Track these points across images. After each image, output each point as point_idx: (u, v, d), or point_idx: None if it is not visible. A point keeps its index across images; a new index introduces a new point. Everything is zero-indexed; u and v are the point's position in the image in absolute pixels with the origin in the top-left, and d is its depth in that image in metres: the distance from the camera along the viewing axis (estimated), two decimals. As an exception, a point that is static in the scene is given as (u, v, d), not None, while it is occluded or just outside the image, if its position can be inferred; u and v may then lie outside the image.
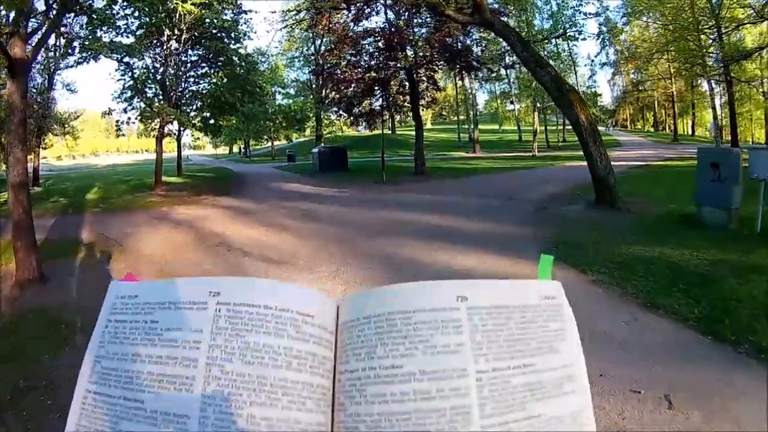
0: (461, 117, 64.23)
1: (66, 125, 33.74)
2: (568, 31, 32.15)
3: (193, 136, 40.35)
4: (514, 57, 27.57)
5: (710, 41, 32.67)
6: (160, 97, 23.44)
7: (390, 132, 66.05)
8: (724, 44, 31.31)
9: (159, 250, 10.49)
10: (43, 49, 24.60)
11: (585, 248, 8.73)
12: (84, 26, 20.76)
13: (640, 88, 65.99)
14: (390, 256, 9.04)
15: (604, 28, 51.96)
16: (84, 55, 21.62)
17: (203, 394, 0.79)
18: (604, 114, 64.94)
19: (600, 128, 51.32)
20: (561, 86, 13.81)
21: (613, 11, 42.06)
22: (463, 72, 26.92)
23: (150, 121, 23.35)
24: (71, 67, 27.45)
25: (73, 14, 19.72)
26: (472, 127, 52.57)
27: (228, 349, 0.82)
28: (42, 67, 27.52)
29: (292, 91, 59.26)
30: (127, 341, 0.88)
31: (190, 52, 25.22)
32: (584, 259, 7.94)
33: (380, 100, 27.47)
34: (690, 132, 68.49)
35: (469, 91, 53.82)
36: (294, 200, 17.49)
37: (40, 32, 10.14)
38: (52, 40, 22.77)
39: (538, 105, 43.93)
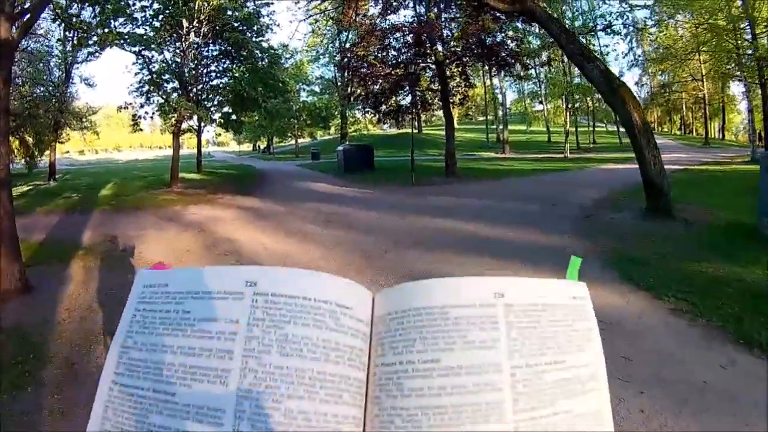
0: (489, 117, 62.78)
1: (84, 120, 32.76)
2: (609, 24, 30.31)
3: (215, 132, 39.62)
4: (551, 53, 26.25)
5: (745, 41, 31.25)
6: (179, 91, 22.57)
7: (417, 131, 65.18)
8: (758, 45, 30.01)
9: (160, 257, 9.05)
10: (59, 42, 24.13)
11: (650, 266, 7.55)
12: (97, 15, 19.58)
13: (668, 90, 64.03)
14: (426, 273, 7.60)
15: (631, 29, 50.66)
16: (95, 48, 21.17)
17: (239, 388, 0.79)
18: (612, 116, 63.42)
19: None
20: (612, 82, 12.44)
21: (641, 10, 40.54)
22: (497, 69, 25.39)
23: (168, 116, 22.44)
24: (88, 60, 27.77)
25: (85, 3, 19.30)
26: (500, 127, 51.16)
27: (266, 340, 0.82)
28: (60, 60, 27.41)
29: (317, 89, 58.46)
30: (157, 331, 0.88)
31: (210, 46, 24.51)
32: (654, 281, 6.79)
33: (409, 96, 26.08)
34: (720, 135, 66.89)
35: (499, 90, 52.23)
36: (317, 202, 16.31)
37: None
38: (60, 32, 21.83)
39: (570, 105, 42.81)
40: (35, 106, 25.80)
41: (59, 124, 27.70)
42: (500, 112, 56.55)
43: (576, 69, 45.37)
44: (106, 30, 19.10)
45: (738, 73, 35.29)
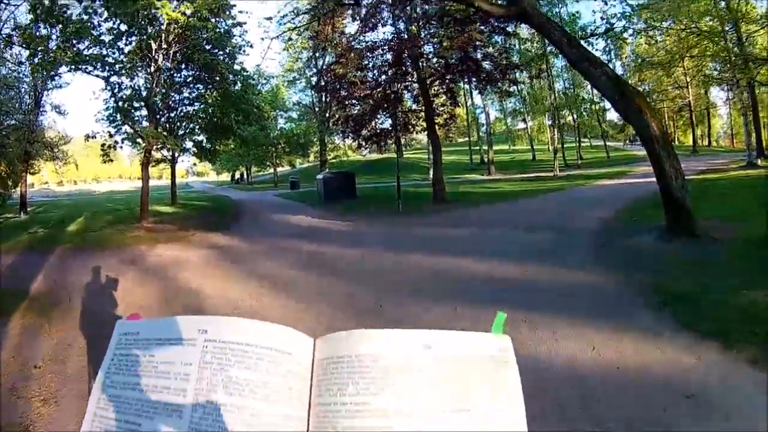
0: (472, 138, 61.51)
1: (56, 149, 31.83)
2: (611, 27, 29.24)
3: (192, 161, 38.34)
4: (539, 65, 24.88)
5: (732, 45, 30.83)
6: (147, 119, 21.23)
7: (396, 155, 64.14)
8: (744, 47, 30.18)
9: (101, 314, 7.78)
10: (20, 65, 22.76)
11: (700, 302, 6.34)
12: (58, 36, 18.40)
13: (649, 99, 63.43)
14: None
15: (609, 42, 50.44)
16: (54, 71, 19.69)
17: (191, 421, 0.93)
18: (613, 129, 62.69)
19: (615, 144, 49.42)
20: (623, 88, 11.23)
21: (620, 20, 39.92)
22: (482, 85, 23.77)
23: (136, 145, 21.66)
24: (58, 87, 27.78)
25: (44, 24, 18.15)
26: (485, 147, 50.09)
27: (213, 381, 0.96)
28: (28, 87, 26.55)
29: (294, 115, 57.05)
30: (128, 372, 1.04)
31: (182, 71, 23.47)
32: (715, 324, 5.58)
33: (391, 119, 24.55)
34: (706, 142, 66.29)
35: (482, 109, 51.18)
36: (296, 238, 14.77)
37: None
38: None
39: (556, 121, 42.20)
40: (5, 135, 24.89)
41: (30, 155, 26.93)
42: (483, 132, 55.98)
43: (560, 84, 45.59)
44: (67, 52, 17.85)
45: (727, 74, 34.50)
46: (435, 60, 21.46)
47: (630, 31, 36.48)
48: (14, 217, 23.60)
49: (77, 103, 32.79)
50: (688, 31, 32.48)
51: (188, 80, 24.15)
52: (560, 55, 35.91)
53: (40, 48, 17.80)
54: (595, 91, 48.48)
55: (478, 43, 20.52)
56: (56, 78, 26.10)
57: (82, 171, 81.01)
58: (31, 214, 25.69)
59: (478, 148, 57.04)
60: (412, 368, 0.93)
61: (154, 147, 21.97)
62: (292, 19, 23.83)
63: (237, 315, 6.46)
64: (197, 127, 25.39)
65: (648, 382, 4.45)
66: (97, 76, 19.43)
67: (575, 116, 47.38)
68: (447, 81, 22.62)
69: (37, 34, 18.43)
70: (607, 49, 51.36)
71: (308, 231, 16.36)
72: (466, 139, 67.33)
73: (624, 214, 14.82)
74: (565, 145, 47.98)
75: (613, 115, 58.51)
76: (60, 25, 17.72)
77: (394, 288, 8.29)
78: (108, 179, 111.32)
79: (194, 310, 7.81)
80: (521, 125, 63.78)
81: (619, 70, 55.70)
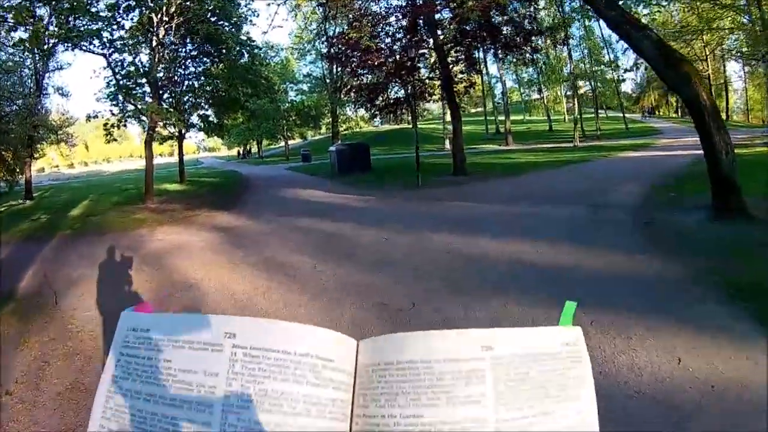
0: (486, 107, 60.07)
1: (59, 132, 30.61)
2: None
3: (202, 137, 37.41)
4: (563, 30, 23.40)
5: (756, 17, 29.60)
6: (150, 95, 20.26)
7: (410, 126, 63.25)
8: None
9: (96, 316, 6.93)
10: (14, 47, 21.87)
11: None
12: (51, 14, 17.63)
13: None
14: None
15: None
16: (50, 47, 19.11)
17: None
18: (627, 101, 61.29)
19: (632, 116, 48.35)
20: (669, 54, 10.23)
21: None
22: (502, 52, 22.33)
23: (142, 123, 20.57)
24: (60, 69, 28.01)
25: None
26: (500, 117, 49.03)
27: (245, 396, 0.82)
28: (30, 71, 25.87)
29: (305, 87, 55.55)
30: (140, 379, 0.88)
31: (187, 44, 22.43)
32: None
33: (406, 87, 23.06)
34: (725, 117, 64.98)
35: (498, 77, 49.84)
36: (308, 216, 13.60)
37: None
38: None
39: (575, 92, 41.29)
40: (8, 122, 24.33)
41: (33, 139, 25.98)
42: (497, 102, 54.98)
43: (577, 53, 44.20)
44: (60, 28, 16.99)
45: (746, 50, 34.22)
46: (452, 26, 19.96)
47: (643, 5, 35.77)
48: (19, 204, 22.99)
49: (82, 85, 32.42)
50: (710, 3, 31.27)
51: (192, 54, 23.19)
52: (577, 23, 34.90)
53: (31, 25, 16.76)
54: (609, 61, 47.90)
55: (500, 6, 19.07)
56: (55, 57, 25.68)
57: (92, 152, 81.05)
58: (37, 199, 25.04)
59: (493, 118, 55.81)
60: (472, 373, 0.82)
61: (158, 124, 21.10)
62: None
63: (240, 313, 5.13)
64: (203, 101, 24.51)
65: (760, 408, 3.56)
66: (96, 53, 18.58)
67: (593, 86, 46.32)
68: (465, 47, 21.31)
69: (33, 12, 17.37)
70: None
71: (322, 208, 15.23)
72: (480, 109, 66.19)
73: (663, 189, 13.71)
74: (583, 116, 46.89)
75: (626, 87, 57.48)
76: (53, 2, 16.76)
77: (425, 279, 7.11)
78: (119, 159, 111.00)
79: (192, 309, 6.77)
80: (536, 95, 62.92)
81: None
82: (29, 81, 26.22)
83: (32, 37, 16.98)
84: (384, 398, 0.83)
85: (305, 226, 12.22)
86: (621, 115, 56.00)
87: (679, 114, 71.64)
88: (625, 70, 51.25)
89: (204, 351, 0.85)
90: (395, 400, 0.82)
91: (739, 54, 39.00)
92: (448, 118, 41.86)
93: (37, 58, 24.74)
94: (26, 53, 22.46)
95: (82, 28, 17.14)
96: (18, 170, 26.66)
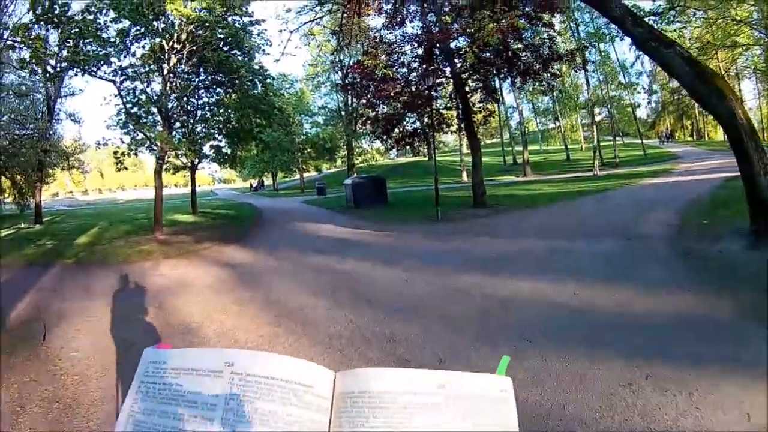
0: (499, 138, 59.83)
1: (71, 158, 30.71)
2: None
3: (216, 168, 37.03)
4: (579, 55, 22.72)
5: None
6: (159, 123, 19.74)
7: (427, 158, 62.85)
8: None
9: (74, 360, 6.28)
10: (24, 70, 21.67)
11: None
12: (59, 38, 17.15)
13: (679, 95, 61.26)
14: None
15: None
16: (58, 72, 18.31)
17: None
18: (643, 126, 60.52)
19: (649, 142, 47.57)
20: (702, 71, 9.81)
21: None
22: (520, 80, 21.56)
23: (152, 151, 19.76)
24: (71, 94, 28.38)
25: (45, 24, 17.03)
26: (517, 148, 49.48)
27: (239, 413, 1.03)
28: (42, 95, 26.32)
29: (320, 119, 55.15)
30: (157, 400, 1.11)
31: (200, 74, 21.91)
32: None
33: (423, 118, 22.42)
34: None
35: (515, 107, 49.22)
36: (323, 253, 12.79)
37: None
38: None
39: (593, 119, 41.05)
40: (20, 145, 24.91)
41: (43, 164, 26.10)
42: (510, 132, 55.02)
43: (594, 78, 43.57)
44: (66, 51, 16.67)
45: (763, 65, 34.89)
46: (472, 50, 19.19)
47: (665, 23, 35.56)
48: (28, 228, 22.82)
49: (95, 112, 32.36)
50: (725, 19, 30.75)
51: (206, 83, 22.66)
52: (593, 49, 34.37)
53: (37, 48, 16.38)
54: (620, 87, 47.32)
55: (517, 31, 18.37)
56: (64, 82, 25.93)
57: (107, 179, 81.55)
58: (46, 224, 24.93)
59: (509, 149, 55.16)
60: (427, 406, 1.02)
61: (170, 153, 20.66)
62: (313, 7, 22.19)
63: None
64: (216, 131, 23.88)
65: None
66: (106, 79, 18.01)
67: (611, 112, 45.73)
68: (483, 75, 20.61)
69: (34, 35, 17.17)
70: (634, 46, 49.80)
71: (337, 244, 14.44)
72: (495, 140, 65.79)
73: (693, 216, 13.00)
74: (600, 144, 46.32)
75: (641, 113, 56.91)
76: (61, 25, 16.38)
77: (453, 328, 6.26)
78: (134, 187, 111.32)
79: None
80: (551, 124, 62.57)
81: (648, 66, 54.16)
82: (41, 106, 26.54)
83: (32, 56, 16.58)
84: (358, 420, 1.02)
85: (318, 263, 11.44)
86: (636, 141, 55.41)
87: (694, 137, 71.91)
88: (652, 92, 50.93)
89: (208, 377, 1.08)
90: (365, 423, 1.01)
91: (755, 71, 38.98)
92: (465, 149, 41.42)
93: (49, 85, 25.00)
94: (35, 76, 22.11)
95: (90, 53, 16.59)
96: (29, 194, 27.15)
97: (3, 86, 24.44)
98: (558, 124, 58.42)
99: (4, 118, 24.92)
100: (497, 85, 26.89)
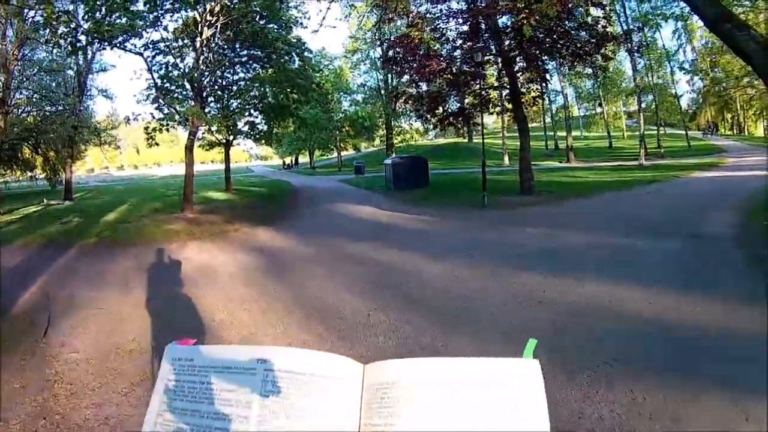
0: (540, 122, 59.62)
1: (102, 134, 31.24)
2: None
3: (250, 144, 36.50)
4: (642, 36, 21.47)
5: None
6: (191, 98, 19.10)
7: (465, 140, 61.71)
8: None
9: (72, 363, 5.53)
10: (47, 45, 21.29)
11: None
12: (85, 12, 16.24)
13: (721, 87, 59.24)
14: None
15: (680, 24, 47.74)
16: (81, 45, 17.30)
17: None
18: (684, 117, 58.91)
19: (693, 134, 46.36)
20: None
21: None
22: (570, 61, 20.15)
23: (186, 125, 19.15)
24: (103, 70, 29.44)
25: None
26: (560, 133, 49.59)
27: (275, 408, 1.02)
28: (74, 72, 26.63)
29: (359, 98, 54.42)
30: (186, 399, 1.09)
31: (235, 48, 21.58)
32: None
33: (468, 97, 21.59)
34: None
35: (560, 90, 47.66)
36: (361, 239, 11.72)
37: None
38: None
39: (640, 105, 39.16)
40: (52, 122, 25.30)
41: (73, 140, 26.45)
42: (552, 116, 56.39)
43: (641, 64, 41.94)
44: (98, 26, 15.51)
45: None
46: (525, 26, 17.73)
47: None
48: (57, 204, 22.73)
49: (129, 88, 32.44)
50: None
51: (242, 58, 22.21)
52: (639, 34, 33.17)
53: (49, 15, 15.50)
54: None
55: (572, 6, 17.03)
56: (96, 58, 27.13)
57: (143, 155, 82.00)
58: (77, 200, 25.10)
59: (552, 134, 54.30)
60: (457, 395, 1.00)
61: (202, 129, 20.37)
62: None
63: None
64: (251, 107, 23.45)
65: None
66: (133, 52, 17.39)
67: (656, 100, 44.48)
68: (533, 53, 19.21)
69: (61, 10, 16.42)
70: (677, 34, 48.86)
71: (377, 230, 13.44)
72: (534, 124, 64.68)
73: (753, 216, 11.88)
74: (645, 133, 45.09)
75: (682, 102, 55.61)
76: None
77: (516, 342, 5.03)
78: (170, 163, 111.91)
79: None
80: (595, 110, 61.51)
81: (690, 56, 52.67)
82: (72, 82, 26.95)
83: (45, 22, 15.76)
84: (387, 411, 1.01)
85: (358, 252, 10.34)
86: (678, 132, 54.14)
87: (734, 131, 71.07)
88: (696, 72, 50.02)
89: (241, 374, 1.06)
90: (396, 415, 1.00)
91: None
92: (506, 132, 40.26)
93: (80, 60, 25.62)
94: (60, 51, 21.38)
95: (115, 25, 15.75)
96: (61, 170, 28.02)
97: (32, 62, 24.71)
98: (601, 110, 57.14)
99: (35, 96, 25.22)
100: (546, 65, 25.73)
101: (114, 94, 30.27)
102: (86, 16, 15.63)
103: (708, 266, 7.83)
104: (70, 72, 26.86)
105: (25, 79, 24.33)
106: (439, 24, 19.72)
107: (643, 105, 41.28)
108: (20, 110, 25.08)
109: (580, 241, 10.21)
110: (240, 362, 1.08)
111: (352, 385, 1.07)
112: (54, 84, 26.15)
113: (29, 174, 34.55)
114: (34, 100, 25.39)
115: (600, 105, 56.89)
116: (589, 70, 22.12)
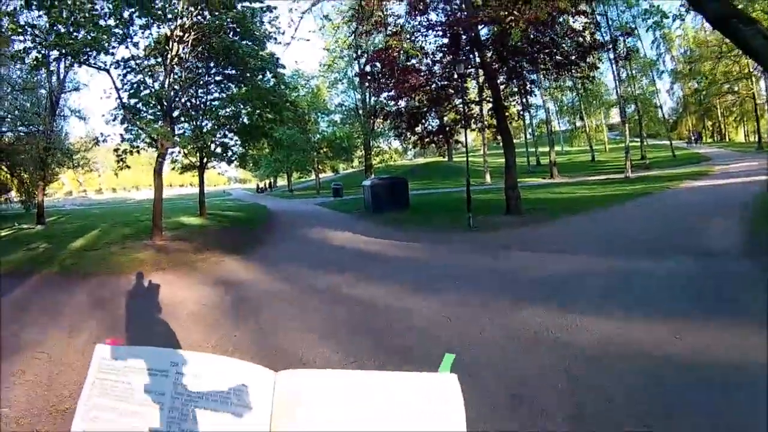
0: (520, 138, 58.24)
1: (75, 156, 30.21)
2: None
3: (224, 167, 35.57)
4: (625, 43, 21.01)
5: None
6: (161, 117, 18.18)
7: (446, 159, 61.41)
8: None
9: None
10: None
11: None
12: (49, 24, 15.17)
13: (701, 95, 60.99)
14: None
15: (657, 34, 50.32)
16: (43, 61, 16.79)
17: None
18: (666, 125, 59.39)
19: (677, 143, 46.30)
20: None
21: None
22: (554, 72, 19.43)
23: (155, 146, 18.14)
24: (75, 89, 28.69)
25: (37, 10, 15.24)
26: (541, 149, 49.95)
27: (183, 410, 1.09)
28: (45, 92, 25.89)
29: (337, 118, 53.66)
30: (108, 396, 1.19)
31: (208, 67, 20.68)
32: None
33: (449, 113, 21.09)
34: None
35: (542, 104, 47.29)
36: (335, 272, 10.52)
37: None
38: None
39: (625, 116, 39.41)
40: (21, 142, 25.16)
41: (45, 162, 25.46)
42: (533, 132, 56.55)
43: (625, 73, 41.73)
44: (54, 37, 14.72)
45: None
46: (514, 30, 16.83)
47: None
48: (28, 229, 22.27)
49: (104, 108, 31.77)
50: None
51: (215, 77, 21.38)
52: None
53: (28, 36, 14.88)
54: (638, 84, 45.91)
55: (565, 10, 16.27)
56: (70, 76, 26.57)
57: (122, 178, 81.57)
58: (49, 224, 24.28)
59: (534, 149, 53.85)
60: (370, 407, 1.05)
61: (172, 151, 19.86)
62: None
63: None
64: (225, 128, 22.66)
65: None
66: (99, 68, 16.38)
67: (639, 110, 45.31)
68: (517, 63, 18.71)
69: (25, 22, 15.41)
70: (656, 42, 49.40)
71: (356, 259, 12.31)
72: (516, 140, 64.67)
73: (756, 225, 11.62)
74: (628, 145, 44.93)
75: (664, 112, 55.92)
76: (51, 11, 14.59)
77: (532, 411, 4.08)
78: (149, 186, 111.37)
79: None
80: (576, 123, 61.73)
81: (669, 65, 52.98)
82: (46, 101, 25.96)
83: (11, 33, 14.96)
84: (297, 420, 1.06)
85: (334, 286, 9.22)
86: (660, 142, 55.15)
87: (715, 139, 71.29)
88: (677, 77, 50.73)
89: (155, 376, 1.14)
90: (306, 423, 1.05)
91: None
92: (487, 149, 39.78)
93: (53, 79, 25.14)
94: (24, 66, 20.99)
95: (79, 39, 14.88)
96: (34, 192, 26.88)
97: (6, 81, 24.05)
98: (583, 123, 57.08)
99: (8, 116, 24.70)
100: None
101: (87, 115, 29.62)
102: (50, 30, 14.74)
103: (722, 288, 7.05)
104: (43, 91, 26.15)
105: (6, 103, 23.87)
106: (417, 37, 19.18)
107: (627, 115, 41.33)
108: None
109: (578, 267, 9.22)
110: (156, 364, 1.15)
111: (263, 391, 1.13)
112: (29, 104, 25.46)
113: (4, 197, 33.59)
114: (8, 119, 24.84)
115: (581, 118, 56.84)
116: (570, 83, 21.56)
